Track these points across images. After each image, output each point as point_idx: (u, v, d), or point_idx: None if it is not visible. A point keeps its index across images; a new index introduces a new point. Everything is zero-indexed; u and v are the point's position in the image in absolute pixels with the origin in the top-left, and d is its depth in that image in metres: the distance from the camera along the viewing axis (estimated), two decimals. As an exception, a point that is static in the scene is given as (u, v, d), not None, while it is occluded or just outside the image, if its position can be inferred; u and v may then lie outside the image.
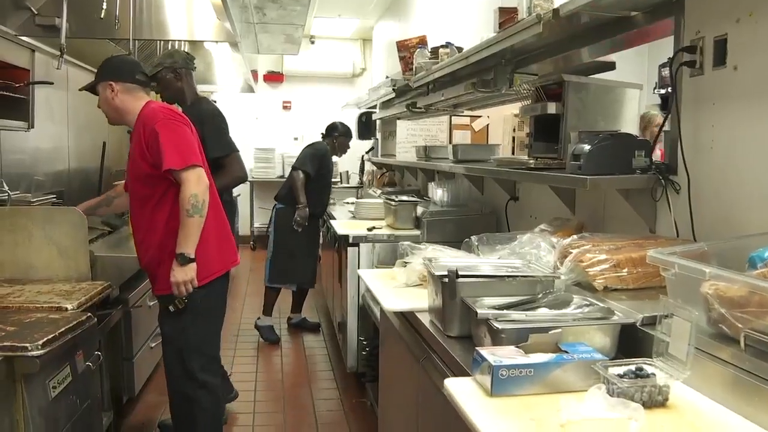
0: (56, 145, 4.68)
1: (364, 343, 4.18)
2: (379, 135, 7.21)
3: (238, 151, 3.76)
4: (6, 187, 3.62)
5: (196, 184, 2.68)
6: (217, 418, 3.13)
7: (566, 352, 1.55)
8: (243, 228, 9.58)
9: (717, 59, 1.99)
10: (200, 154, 2.85)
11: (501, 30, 2.82)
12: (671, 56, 2.15)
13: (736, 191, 1.94)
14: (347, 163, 9.01)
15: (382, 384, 2.97)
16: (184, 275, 2.71)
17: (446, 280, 1.96)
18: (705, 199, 2.05)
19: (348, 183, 8.55)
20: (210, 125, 3.60)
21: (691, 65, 2.08)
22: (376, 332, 3.65)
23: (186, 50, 4.00)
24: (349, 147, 5.95)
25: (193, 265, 2.72)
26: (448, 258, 2.42)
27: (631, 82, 2.82)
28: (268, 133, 10.21)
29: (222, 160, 3.61)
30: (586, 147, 2.26)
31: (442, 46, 3.94)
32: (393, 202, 4.34)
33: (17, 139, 4.02)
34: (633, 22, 2.32)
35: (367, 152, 7.67)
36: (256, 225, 9.96)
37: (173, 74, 3.73)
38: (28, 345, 1.97)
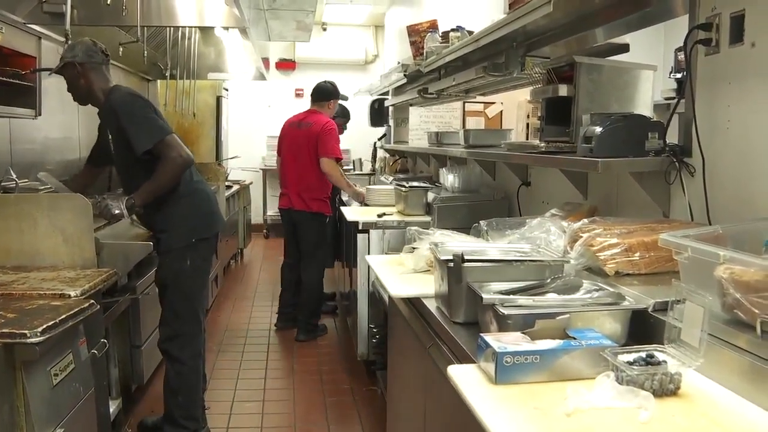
0: (66, 135, 4.66)
1: (374, 330, 4.14)
2: (391, 122, 7.14)
3: (171, 132, 3.11)
4: (14, 175, 3.61)
5: None
6: None
7: (574, 338, 1.49)
8: (256, 216, 9.58)
9: (734, 36, 1.91)
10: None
11: (511, 11, 2.75)
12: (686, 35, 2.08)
13: (754, 173, 1.87)
14: (360, 150, 8.97)
15: (391, 372, 2.93)
16: None
17: (452, 264, 1.92)
18: (721, 182, 1.98)
19: (361, 170, 8.50)
20: (125, 115, 3.05)
21: (707, 43, 2.00)
22: (387, 319, 3.62)
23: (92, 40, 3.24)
24: None
25: None
26: (455, 243, 2.37)
27: (645, 64, 2.75)
28: (281, 121, 10.16)
29: (156, 150, 3.05)
30: (598, 129, 2.20)
31: (452, 30, 3.87)
32: (403, 188, 4.29)
33: (27, 129, 4.00)
34: (647, 0, 2.25)
35: (379, 139, 7.61)
36: (269, 213, 9.95)
37: (75, 71, 3.12)
38: (27, 332, 1.94)
